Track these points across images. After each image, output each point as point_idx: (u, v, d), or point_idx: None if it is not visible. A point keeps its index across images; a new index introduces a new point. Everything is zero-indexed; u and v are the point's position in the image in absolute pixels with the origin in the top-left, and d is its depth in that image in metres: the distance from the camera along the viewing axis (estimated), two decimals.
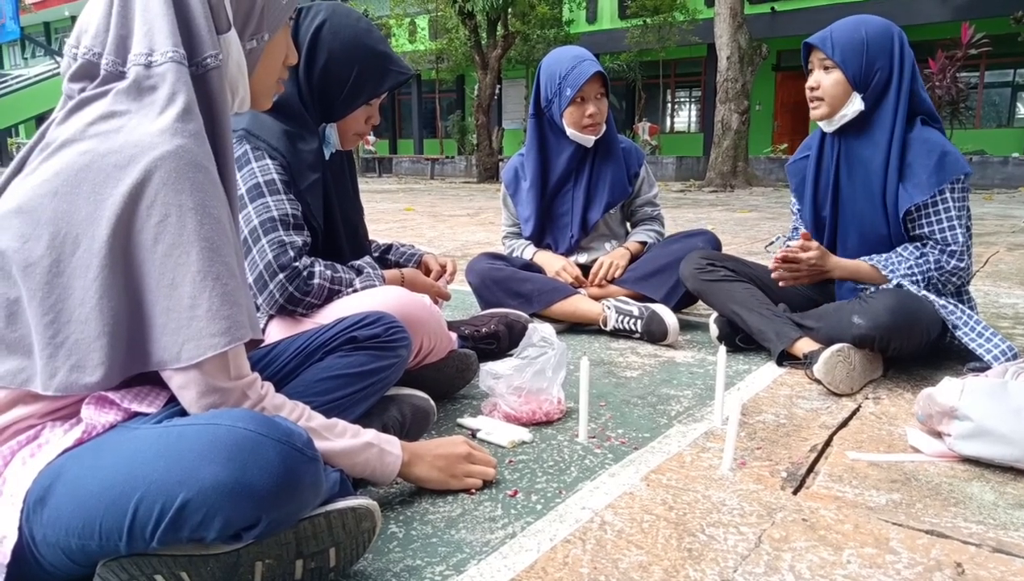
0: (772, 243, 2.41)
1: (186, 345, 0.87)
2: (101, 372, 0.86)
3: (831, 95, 1.95)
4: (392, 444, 1.15)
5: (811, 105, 2.01)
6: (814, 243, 1.95)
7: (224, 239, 0.89)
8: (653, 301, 2.40)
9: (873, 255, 1.97)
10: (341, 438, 1.07)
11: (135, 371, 0.89)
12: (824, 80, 1.96)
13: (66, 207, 0.85)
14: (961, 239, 1.89)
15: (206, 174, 0.89)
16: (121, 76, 0.91)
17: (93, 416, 0.91)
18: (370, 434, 1.12)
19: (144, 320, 0.88)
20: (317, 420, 1.05)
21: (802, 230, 2.07)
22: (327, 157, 1.65)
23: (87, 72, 0.92)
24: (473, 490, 1.27)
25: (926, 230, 1.92)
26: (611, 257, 2.56)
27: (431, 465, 1.22)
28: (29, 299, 0.85)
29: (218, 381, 0.91)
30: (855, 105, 1.94)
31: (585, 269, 2.62)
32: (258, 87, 1.07)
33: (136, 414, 0.94)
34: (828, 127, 2.02)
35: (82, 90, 0.92)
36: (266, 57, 1.06)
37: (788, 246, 1.98)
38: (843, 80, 1.93)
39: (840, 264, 1.98)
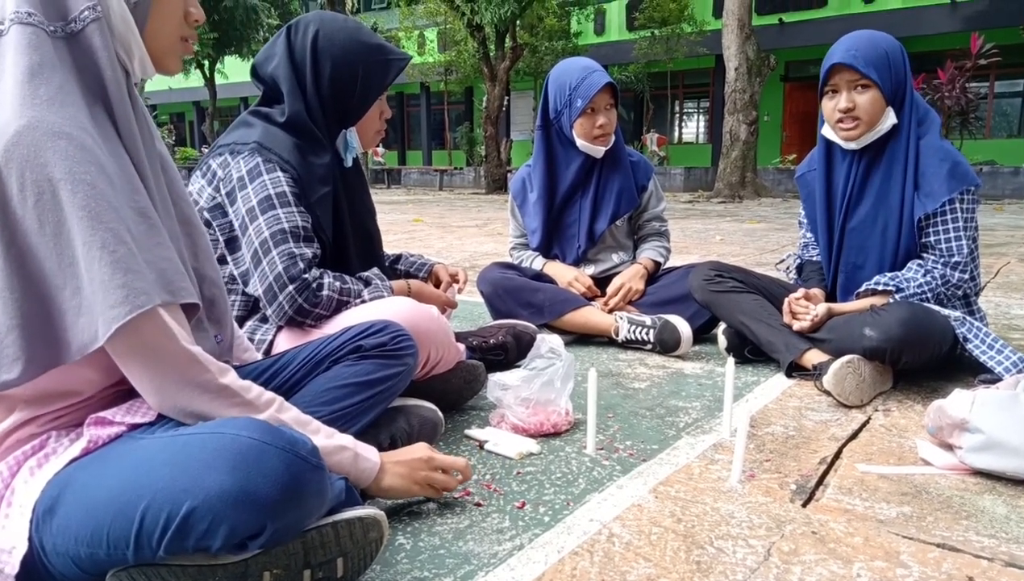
0: (782, 261, 2.41)
1: (99, 321, 0.83)
2: (19, 367, 0.84)
3: (870, 113, 1.91)
4: (369, 451, 1.13)
5: (843, 126, 1.94)
6: (820, 306, 1.98)
7: (103, 205, 0.84)
8: None
9: (878, 278, 1.96)
10: (315, 436, 1.03)
11: (60, 362, 0.85)
12: (859, 99, 1.91)
13: None
14: (965, 251, 1.88)
15: (69, 140, 0.84)
16: None
17: (96, 433, 0.91)
18: (347, 439, 1.10)
19: (57, 307, 0.84)
20: (290, 413, 1.02)
21: (803, 292, 2.05)
22: (349, 163, 1.68)
23: None
24: (442, 494, 1.25)
25: (931, 239, 1.92)
26: (629, 280, 2.52)
27: (393, 474, 1.16)
28: None
29: (155, 351, 0.88)
30: (890, 120, 1.92)
31: (594, 280, 2.61)
32: (155, 46, 0.99)
33: (137, 425, 0.95)
34: (856, 145, 1.98)
35: None
36: (159, 10, 0.98)
37: (794, 296, 2.02)
38: (879, 97, 1.90)
39: (845, 308, 2.00)
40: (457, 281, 1.94)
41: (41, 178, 0.82)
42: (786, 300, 2.03)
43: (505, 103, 16.08)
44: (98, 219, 0.83)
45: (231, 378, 0.96)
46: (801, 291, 2.04)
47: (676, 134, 20.46)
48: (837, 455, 1.50)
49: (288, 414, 1.02)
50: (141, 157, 0.96)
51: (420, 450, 1.23)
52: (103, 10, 0.91)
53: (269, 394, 1.01)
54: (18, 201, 0.82)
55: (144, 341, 0.88)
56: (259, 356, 1.41)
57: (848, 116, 1.93)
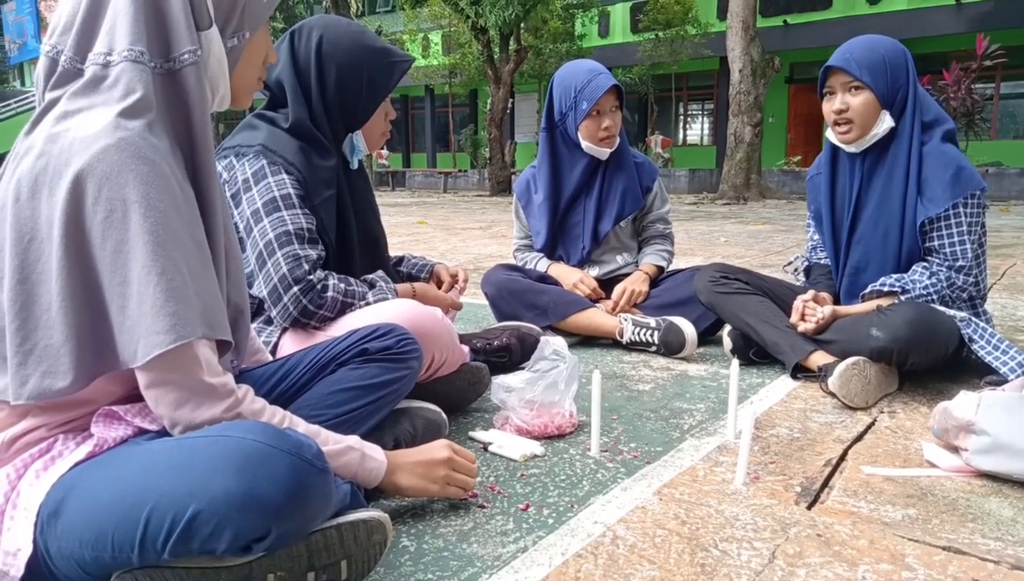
0: (790, 263, 2.40)
1: (140, 343, 0.85)
2: (72, 376, 0.86)
3: (862, 116, 1.93)
4: (375, 451, 1.13)
5: (838, 129, 1.98)
6: (826, 308, 1.98)
7: (169, 234, 0.87)
8: None
9: (884, 279, 1.96)
10: (324, 445, 1.03)
11: (105, 372, 0.88)
12: (852, 102, 1.93)
13: (28, 213, 0.86)
14: (970, 255, 1.88)
15: (152, 166, 0.87)
16: (79, 74, 0.91)
17: (103, 432, 0.92)
18: (353, 439, 1.10)
19: (106, 319, 0.87)
20: (300, 427, 1.03)
21: (812, 294, 2.05)
22: (355, 166, 1.69)
23: (49, 69, 0.92)
24: (458, 499, 1.25)
25: (936, 243, 1.91)
26: (632, 283, 2.53)
27: (411, 472, 1.17)
28: None
29: (181, 379, 0.89)
30: (886, 123, 1.93)
31: (599, 282, 2.61)
32: (239, 85, 1.06)
33: (144, 429, 0.95)
34: (855, 148, 2.00)
35: (45, 89, 0.92)
36: (247, 55, 1.05)
37: (805, 298, 2.02)
38: (872, 100, 1.92)
39: (850, 311, 1.99)
40: (457, 281, 1.94)
41: (116, 196, 0.85)
42: (798, 299, 2.03)
43: (509, 105, 16.10)
44: (162, 246, 0.86)
45: (245, 406, 0.96)
46: (811, 293, 2.04)
47: (680, 136, 20.42)
48: (842, 457, 1.50)
49: (297, 428, 1.02)
50: (214, 193, 1.00)
51: (440, 449, 1.22)
52: (203, 53, 0.97)
53: (280, 415, 1.02)
54: (89, 211, 0.85)
55: (173, 368, 0.89)
56: (268, 357, 1.41)
57: (841, 118, 1.96)
